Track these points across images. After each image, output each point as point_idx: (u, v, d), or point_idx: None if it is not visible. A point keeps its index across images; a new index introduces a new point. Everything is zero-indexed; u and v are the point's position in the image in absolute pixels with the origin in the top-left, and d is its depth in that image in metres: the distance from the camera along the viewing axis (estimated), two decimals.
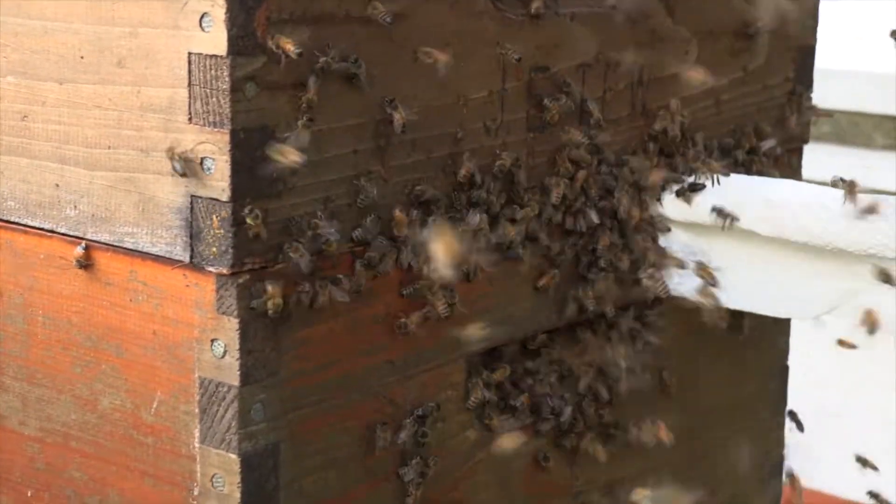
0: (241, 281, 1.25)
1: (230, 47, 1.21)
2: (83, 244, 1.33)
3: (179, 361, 1.29)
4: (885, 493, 1.85)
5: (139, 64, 1.27)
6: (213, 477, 1.28)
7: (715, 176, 1.61)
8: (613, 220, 1.56)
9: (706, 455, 1.78)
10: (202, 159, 1.24)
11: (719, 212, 1.58)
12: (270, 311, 1.25)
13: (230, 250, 1.24)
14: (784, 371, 1.89)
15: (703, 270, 1.58)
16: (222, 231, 1.24)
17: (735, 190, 1.60)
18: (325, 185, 1.29)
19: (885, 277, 1.53)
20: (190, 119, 1.24)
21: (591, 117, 1.52)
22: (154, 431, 1.31)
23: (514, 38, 1.44)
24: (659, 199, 1.62)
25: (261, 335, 1.26)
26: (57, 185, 1.35)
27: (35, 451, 1.40)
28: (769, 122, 1.77)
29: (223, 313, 1.25)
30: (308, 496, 1.32)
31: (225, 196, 1.23)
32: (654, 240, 1.63)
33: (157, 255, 1.29)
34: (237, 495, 1.27)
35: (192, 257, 1.26)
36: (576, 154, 1.51)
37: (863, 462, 1.78)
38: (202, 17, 1.22)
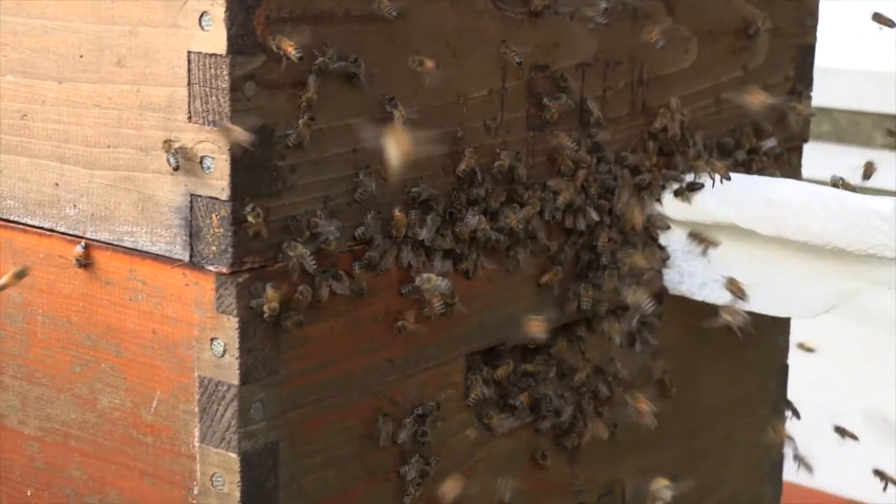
0: (240, 280, 1.24)
1: (230, 46, 1.21)
2: (83, 243, 1.33)
3: (179, 360, 1.29)
4: (886, 493, 1.86)
5: (139, 63, 1.27)
6: (212, 476, 1.28)
7: (717, 175, 1.61)
8: (613, 218, 1.56)
9: (706, 453, 1.78)
10: (202, 158, 1.24)
11: (696, 237, 1.58)
12: (266, 315, 1.25)
13: (230, 249, 1.24)
14: (783, 370, 1.89)
15: (734, 285, 1.57)
16: (222, 230, 1.24)
17: (735, 189, 1.60)
18: (324, 184, 1.29)
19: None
20: (189, 118, 1.24)
21: (590, 116, 1.52)
22: (154, 430, 1.31)
23: (514, 37, 1.44)
24: (659, 199, 1.62)
25: (260, 334, 1.26)
26: (56, 184, 1.35)
27: (35, 450, 1.40)
28: (769, 121, 1.77)
29: (223, 312, 1.25)
30: (307, 495, 1.32)
31: (224, 195, 1.23)
32: (654, 239, 1.63)
33: (157, 254, 1.29)
34: (237, 494, 1.27)
35: (191, 256, 1.26)
36: (575, 154, 1.50)
37: (841, 432, 1.78)
38: (202, 15, 1.22)
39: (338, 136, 1.30)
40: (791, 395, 1.90)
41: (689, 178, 1.62)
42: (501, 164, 1.43)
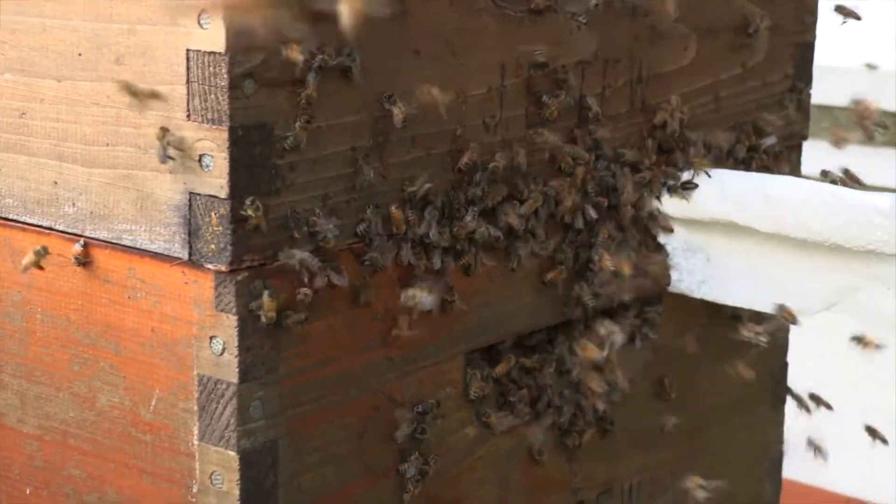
0: (239, 278, 1.24)
1: (229, 44, 1.21)
2: (81, 241, 1.33)
3: (178, 359, 1.29)
4: (884, 491, 1.85)
5: (137, 61, 1.27)
6: (211, 474, 1.28)
7: (704, 171, 1.61)
8: (613, 212, 1.56)
9: (706, 452, 1.78)
10: (200, 156, 1.24)
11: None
12: (264, 321, 1.25)
13: (229, 247, 1.24)
14: (783, 368, 1.89)
15: (785, 311, 1.57)
16: (221, 228, 1.24)
17: (734, 186, 1.60)
18: (323, 182, 1.29)
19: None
20: (188, 116, 1.24)
21: (589, 112, 1.52)
22: (153, 429, 1.31)
23: (514, 35, 1.44)
24: (658, 197, 1.61)
25: (259, 332, 1.26)
26: (55, 183, 1.34)
27: (34, 448, 1.40)
28: (769, 118, 1.77)
29: (222, 310, 1.25)
30: (306, 493, 1.32)
31: (223, 193, 1.23)
32: (654, 237, 1.63)
33: (156, 253, 1.29)
34: (236, 492, 1.27)
35: (190, 254, 1.26)
36: (573, 151, 1.50)
37: (872, 433, 1.78)
38: (201, 13, 1.22)
39: (336, 134, 1.30)
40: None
41: (687, 175, 1.62)
42: (496, 165, 1.43)
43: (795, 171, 1.83)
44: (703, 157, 1.63)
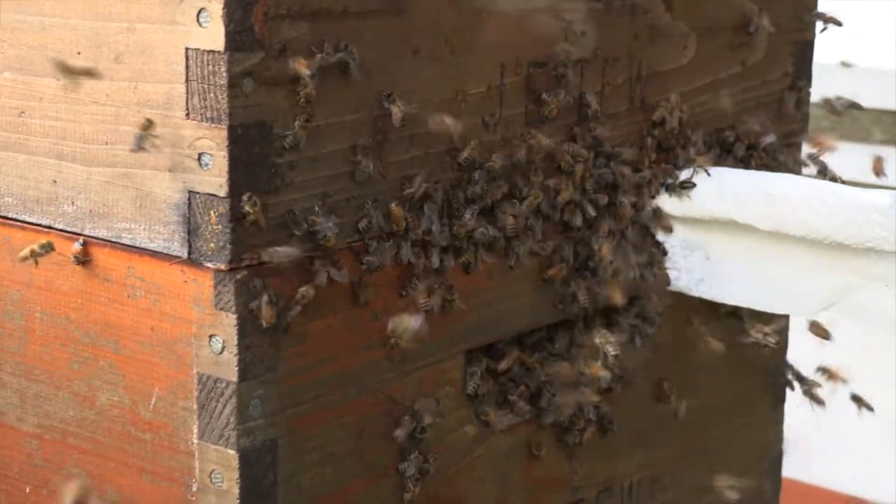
0: (239, 277, 1.24)
1: (228, 43, 1.21)
2: (81, 240, 1.33)
3: (177, 357, 1.29)
4: (884, 490, 1.85)
5: (136, 60, 1.27)
6: (211, 473, 1.28)
7: (703, 168, 1.61)
8: (612, 209, 1.56)
9: (705, 450, 1.78)
10: (199, 155, 1.24)
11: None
12: (264, 324, 1.25)
13: (228, 246, 1.24)
14: (783, 367, 1.89)
15: (817, 328, 1.58)
16: (220, 227, 1.24)
17: (734, 184, 1.60)
18: (322, 181, 1.29)
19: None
20: (187, 115, 1.24)
21: (588, 110, 1.52)
22: (152, 428, 1.31)
23: (513, 34, 1.43)
24: (657, 195, 1.61)
25: (259, 331, 1.26)
26: (54, 181, 1.34)
27: (33, 447, 1.40)
28: (769, 117, 1.77)
29: (221, 309, 1.25)
30: (306, 492, 1.32)
31: (223, 191, 1.23)
32: (653, 236, 1.63)
33: (155, 251, 1.28)
34: (235, 491, 1.27)
35: (189, 253, 1.26)
36: (572, 149, 1.50)
37: (857, 401, 1.78)
38: (199, 12, 1.22)
39: (335, 132, 1.30)
40: (790, 391, 1.90)
41: (685, 173, 1.62)
42: (492, 166, 1.43)
43: (795, 169, 1.83)
44: (704, 154, 1.63)
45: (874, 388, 2.54)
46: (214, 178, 1.23)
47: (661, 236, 1.63)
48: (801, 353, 1.92)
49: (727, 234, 1.62)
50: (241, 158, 1.23)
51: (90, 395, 1.35)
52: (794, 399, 1.91)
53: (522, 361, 1.52)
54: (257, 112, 1.23)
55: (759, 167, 1.73)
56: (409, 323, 1.33)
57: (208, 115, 1.23)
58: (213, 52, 1.22)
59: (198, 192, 1.25)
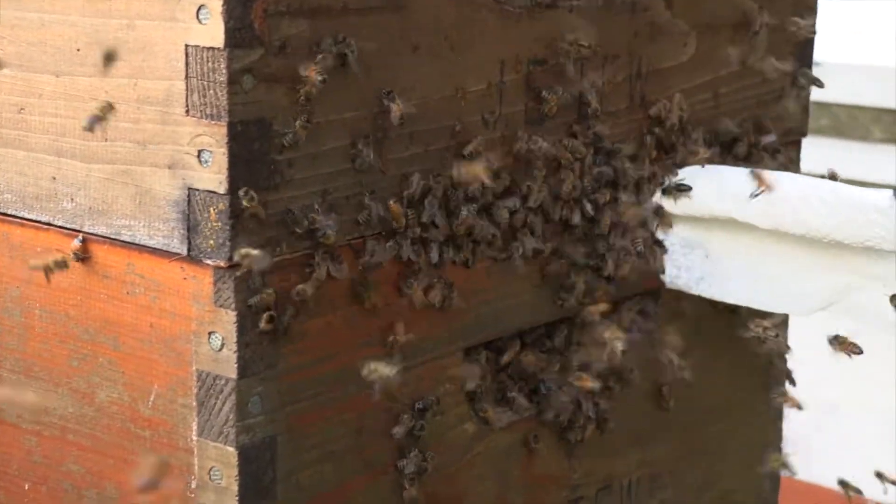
0: (238, 274, 1.24)
1: (227, 39, 1.21)
2: (80, 237, 1.33)
3: (177, 354, 1.28)
4: (884, 489, 1.85)
5: (136, 56, 1.27)
6: (210, 470, 1.28)
7: (702, 161, 1.61)
8: (613, 206, 1.56)
9: (704, 449, 1.78)
10: (199, 152, 1.24)
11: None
12: (265, 328, 1.25)
13: (227, 243, 1.24)
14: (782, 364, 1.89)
15: (842, 344, 1.58)
16: (220, 224, 1.24)
17: (733, 183, 1.60)
18: (322, 178, 1.29)
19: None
20: (187, 111, 1.24)
21: (588, 108, 1.52)
22: (151, 424, 1.31)
23: (513, 31, 1.44)
24: (654, 193, 1.61)
25: (258, 328, 1.26)
26: (54, 178, 1.34)
27: (32, 444, 1.40)
28: (768, 115, 1.77)
29: (221, 306, 1.25)
30: (305, 489, 1.32)
31: (222, 188, 1.23)
32: (652, 234, 1.63)
33: (155, 248, 1.28)
34: (235, 488, 1.27)
35: (189, 250, 1.26)
36: (571, 144, 1.50)
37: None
38: (199, 9, 1.22)
39: (335, 130, 1.30)
40: (789, 389, 1.90)
41: (683, 172, 1.62)
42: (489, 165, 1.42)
43: (795, 167, 1.83)
44: (706, 149, 1.63)
45: (874, 388, 2.55)
46: (214, 175, 1.23)
47: (660, 234, 1.63)
48: (802, 353, 1.93)
49: (727, 232, 1.61)
50: (240, 155, 1.23)
51: (89, 392, 1.35)
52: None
53: (521, 359, 1.52)
54: (257, 109, 1.23)
55: (759, 166, 1.73)
56: (383, 370, 1.33)
57: (208, 111, 1.23)
58: (212, 48, 1.22)
59: (197, 189, 1.25)
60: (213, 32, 1.21)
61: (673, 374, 1.61)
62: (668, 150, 1.63)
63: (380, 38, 1.32)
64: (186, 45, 1.23)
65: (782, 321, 1.62)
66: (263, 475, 1.29)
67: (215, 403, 1.27)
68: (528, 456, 1.54)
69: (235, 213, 1.23)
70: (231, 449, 1.26)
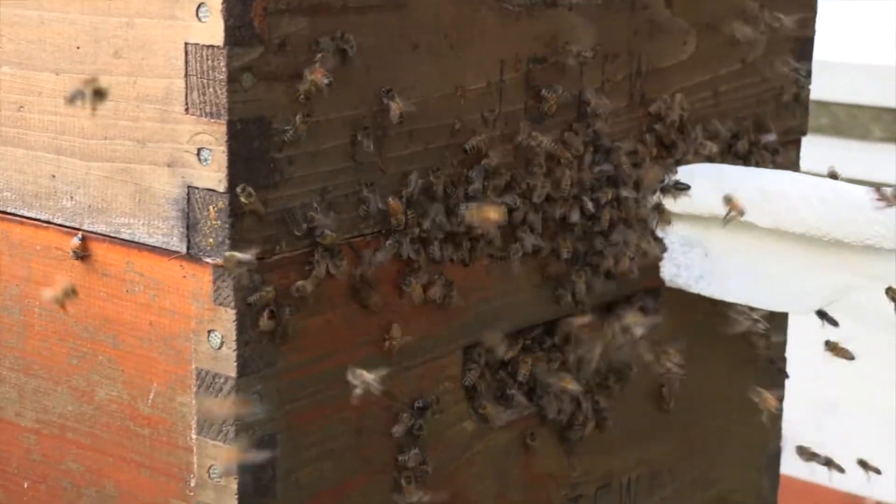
0: (238, 272, 1.24)
1: (227, 37, 1.21)
2: (80, 235, 1.33)
3: (176, 352, 1.28)
4: (884, 488, 1.85)
5: (136, 54, 1.27)
6: (209, 468, 1.28)
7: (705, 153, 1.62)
8: (613, 203, 1.56)
9: (703, 447, 1.78)
10: (199, 150, 1.24)
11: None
12: (264, 329, 1.25)
13: (227, 241, 1.24)
14: (781, 363, 1.89)
15: (836, 350, 1.58)
16: (219, 222, 1.24)
17: (733, 181, 1.60)
18: (322, 176, 1.29)
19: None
20: (186, 109, 1.24)
21: (588, 106, 1.52)
22: (151, 423, 1.31)
23: (513, 29, 1.44)
24: (654, 191, 1.61)
25: (259, 327, 1.26)
26: (53, 176, 1.34)
27: (31, 442, 1.40)
28: (768, 114, 1.77)
29: (220, 304, 1.25)
30: (304, 487, 1.32)
31: (222, 187, 1.23)
32: (652, 231, 1.63)
33: (154, 246, 1.28)
34: (234, 487, 1.27)
35: (188, 248, 1.26)
36: (569, 138, 1.50)
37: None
38: (199, 7, 1.22)
39: (335, 128, 1.30)
40: (789, 388, 1.90)
41: (683, 170, 1.62)
42: (488, 163, 1.42)
43: (794, 166, 1.83)
44: (711, 142, 1.63)
45: (874, 387, 2.54)
46: (213, 174, 1.23)
47: (660, 231, 1.63)
48: (801, 352, 1.93)
49: (726, 230, 1.61)
50: (240, 153, 1.23)
51: (89, 391, 1.35)
52: (793, 396, 1.91)
53: (520, 356, 1.52)
54: (256, 107, 1.23)
55: (758, 164, 1.73)
56: (365, 377, 1.32)
57: (207, 109, 1.23)
58: (212, 46, 1.21)
59: (197, 188, 1.24)
60: (212, 30, 1.21)
61: (666, 371, 1.62)
62: (669, 148, 1.63)
63: (379, 37, 1.32)
64: (186, 43, 1.23)
65: (766, 314, 1.62)
66: (263, 474, 1.28)
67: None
68: (528, 454, 1.54)
69: (235, 212, 1.23)
70: (230, 447, 1.26)
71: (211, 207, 1.24)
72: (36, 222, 1.36)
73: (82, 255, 1.33)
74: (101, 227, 1.32)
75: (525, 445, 1.54)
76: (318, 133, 1.28)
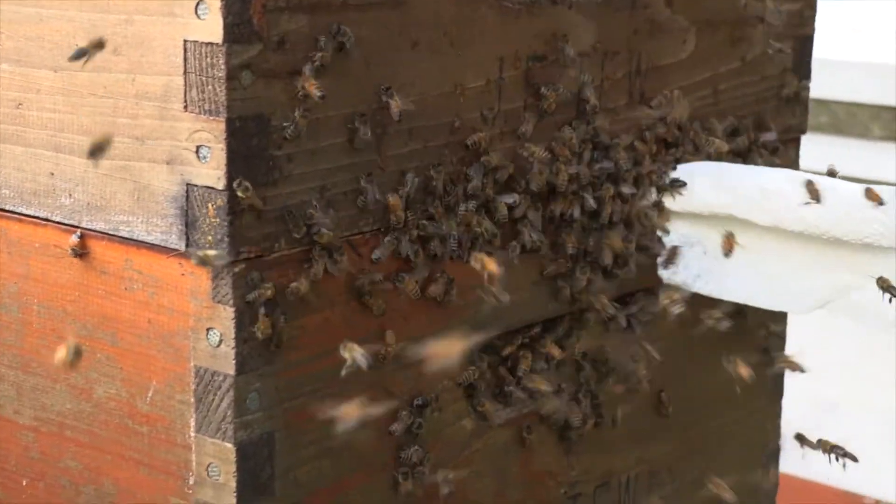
0: (236, 270, 1.24)
1: (226, 35, 1.21)
2: (78, 233, 1.33)
3: (175, 350, 1.28)
4: (883, 487, 1.85)
5: (134, 52, 1.26)
6: (208, 466, 1.28)
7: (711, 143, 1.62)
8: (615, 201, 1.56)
9: (702, 445, 1.78)
10: (198, 147, 1.23)
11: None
12: (260, 336, 1.25)
13: (226, 239, 1.24)
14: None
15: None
16: (218, 220, 1.24)
17: (732, 180, 1.60)
18: (321, 174, 1.29)
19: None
20: (185, 107, 1.24)
21: (587, 104, 1.52)
22: (149, 421, 1.31)
23: (512, 27, 1.43)
24: (654, 185, 1.61)
25: (256, 337, 1.26)
26: (52, 174, 1.34)
27: (30, 440, 1.40)
28: (768, 112, 1.77)
29: (219, 302, 1.25)
30: (303, 485, 1.32)
31: (221, 184, 1.23)
32: (652, 231, 1.63)
33: (153, 244, 1.28)
34: (232, 484, 1.27)
35: (187, 246, 1.26)
36: (566, 133, 1.50)
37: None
38: (198, 4, 1.22)
39: (334, 126, 1.30)
40: (789, 387, 1.90)
41: (682, 169, 1.62)
42: (488, 160, 1.42)
43: (794, 165, 1.83)
44: (722, 140, 1.64)
45: (874, 387, 2.54)
46: (212, 171, 1.23)
47: (658, 229, 1.63)
48: (799, 347, 1.93)
49: (726, 228, 1.61)
50: (239, 151, 1.23)
51: (87, 388, 1.35)
52: (793, 396, 1.91)
53: (520, 352, 1.52)
54: (255, 104, 1.23)
55: (758, 162, 1.73)
56: (357, 357, 1.32)
57: (206, 107, 1.22)
58: (211, 44, 1.21)
59: (196, 185, 1.24)
60: (211, 28, 1.21)
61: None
62: (670, 147, 1.63)
63: (379, 34, 1.31)
64: (185, 41, 1.23)
65: (731, 311, 1.62)
66: (261, 471, 1.28)
67: (213, 400, 1.27)
68: (527, 452, 1.54)
69: (234, 209, 1.23)
70: (229, 445, 1.26)
71: (210, 205, 1.24)
72: (34, 220, 1.36)
73: (81, 252, 1.33)
74: (99, 225, 1.31)
75: (524, 443, 1.53)
76: (318, 130, 1.28)
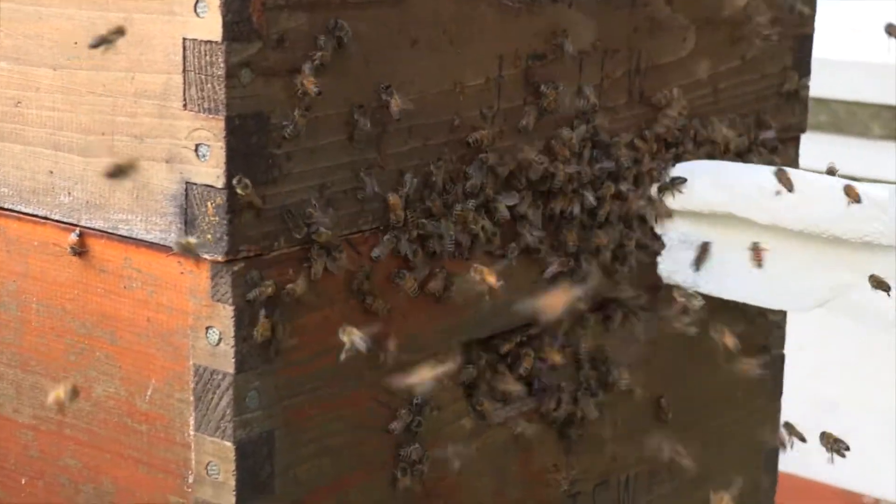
0: (235, 269, 1.24)
1: (225, 33, 1.21)
2: (77, 231, 1.33)
3: (174, 349, 1.28)
4: (883, 486, 1.85)
5: (134, 50, 1.26)
6: (207, 465, 1.28)
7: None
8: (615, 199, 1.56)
9: (702, 444, 1.78)
10: (197, 146, 1.23)
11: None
12: (258, 339, 1.25)
13: (225, 237, 1.23)
14: (780, 360, 1.89)
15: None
16: (217, 218, 1.24)
17: (731, 178, 1.60)
18: (320, 172, 1.29)
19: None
20: (185, 105, 1.24)
21: (587, 103, 1.52)
22: (148, 419, 1.31)
23: (512, 25, 1.43)
24: (654, 181, 1.61)
25: (256, 340, 1.26)
26: (51, 172, 1.34)
27: (29, 438, 1.40)
28: (768, 111, 1.77)
29: (218, 301, 1.25)
30: (303, 483, 1.32)
31: (220, 183, 1.23)
32: (651, 228, 1.62)
33: (152, 242, 1.28)
34: (232, 483, 1.27)
35: None
36: (564, 133, 1.50)
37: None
38: (197, 2, 1.22)
39: (333, 124, 1.30)
40: (789, 387, 1.90)
41: (682, 167, 1.62)
42: (486, 158, 1.42)
43: (794, 164, 1.83)
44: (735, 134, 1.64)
45: (874, 386, 2.54)
46: (212, 169, 1.23)
47: (658, 228, 1.63)
48: (798, 347, 1.93)
49: (725, 227, 1.61)
50: (238, 149, 1.23)
51: (86, 387, 1.35)
52: (793, 396, 1.91)
53: (521, 350, 1.52)
54: (255, 103, 1.23)
55: (758, 161, 1.73)
56: (356, 340, 1.32)
57: (206, 105, 1.22)
58: (210, 42, 1.21)
59: (195, 183, 1.24)
60: (210, 26, 1.21)
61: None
62: (670, 145, 1.63)
63: (378, 32, 1.31)
64: (184, 39, 1.23)
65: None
66: (261, 470, 1.28)
67: (212, 398, 1.26)
68: (526, 451, 1.54)
69: (233, 208, 1.23)
70: (228, 444, 1.26)
71: (209, 203, 1.24)
72: (33, 218, 1.36)
73: (80, 251, 1.33)
74: (98, 223, 1.31)
75: (523, 441, 1.53)
76: (317, 129, 1.28)
